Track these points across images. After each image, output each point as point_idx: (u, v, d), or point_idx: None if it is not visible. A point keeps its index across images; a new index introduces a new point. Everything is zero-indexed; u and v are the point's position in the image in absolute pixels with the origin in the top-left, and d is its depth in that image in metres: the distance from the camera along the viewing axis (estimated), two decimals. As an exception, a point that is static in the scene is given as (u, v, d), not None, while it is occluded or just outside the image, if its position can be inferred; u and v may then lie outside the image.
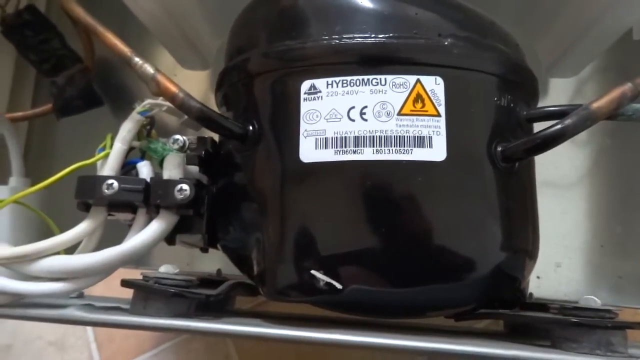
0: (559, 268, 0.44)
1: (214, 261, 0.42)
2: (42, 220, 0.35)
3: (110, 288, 0.30)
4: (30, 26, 0.44)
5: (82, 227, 0.28)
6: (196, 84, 0.48)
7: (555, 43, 0.38)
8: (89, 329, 0.67)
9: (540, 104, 0.47)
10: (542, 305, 0.29)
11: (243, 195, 0.28)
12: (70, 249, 0.29)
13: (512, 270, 0.28)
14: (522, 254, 0.28)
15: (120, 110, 0.46)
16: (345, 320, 0.29)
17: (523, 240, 0.28)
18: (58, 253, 0.27)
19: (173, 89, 0.26)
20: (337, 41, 0.26)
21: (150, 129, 0.31)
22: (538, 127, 0.28)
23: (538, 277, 0.44)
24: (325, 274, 0.25)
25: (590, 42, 0.35)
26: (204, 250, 0.33)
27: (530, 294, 0.35)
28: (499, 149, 0.26)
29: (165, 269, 0.27)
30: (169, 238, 0.29)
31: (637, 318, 0.49)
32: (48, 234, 0.31)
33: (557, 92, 0.47)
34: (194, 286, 0.28)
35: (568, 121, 0.24)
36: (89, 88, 0.41)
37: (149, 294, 0.26)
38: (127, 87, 0.46)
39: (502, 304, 0.28)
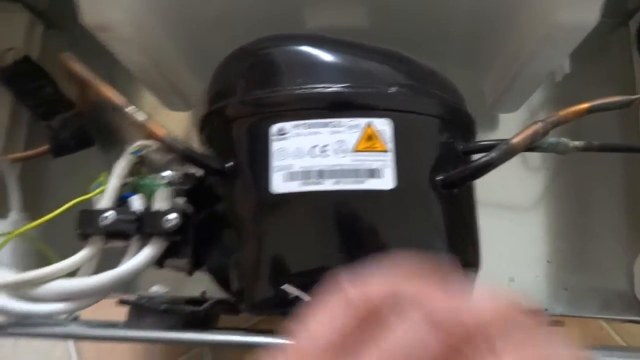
0: (512, 282, 0.49)
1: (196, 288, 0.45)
2: (37, 250, 0.38)
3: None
4: (27, 75, 0.48)
5: (82, 254, 0.31)
6: (177, 123, 0.53)
7: (494, 84, 0.44)
8: (74, 357, 0.69)
9: (492, 135, 0.53)
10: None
11: (224, 223, 0.32)
12: (69, 275, 0.32)
13: (457, 280, 0.32)
14: (463, 265, 0.33)
15: (108, 149, 0.50)
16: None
17: (464, 253, 0.33)
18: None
19: (161, 133, 0.31)
20: (301, 90, 0.31)
21: (140, 166, 0.35)
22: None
23: (493, 291, 0.49)
24: (295, 288, 0.29)
25: (522, 84, 0.41)
26: (190, 273, 0.37)
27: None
28: (439, 177, 0.31)
29: (156, 289, 0.31)
30: (159, 262, 0.33)
31: (580, 325, 0.54)
32: (43, 262, 0.34)
33: (510, 124, 0.53)
34: (181, 304, 0.32)
35: (492, 154, 0.30)
36: (81, 131, 0.45)
37: (142, 311, 0.30)
38: (115, 128, 0.51)
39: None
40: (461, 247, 0.32)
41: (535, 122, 0.30)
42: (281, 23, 0.43)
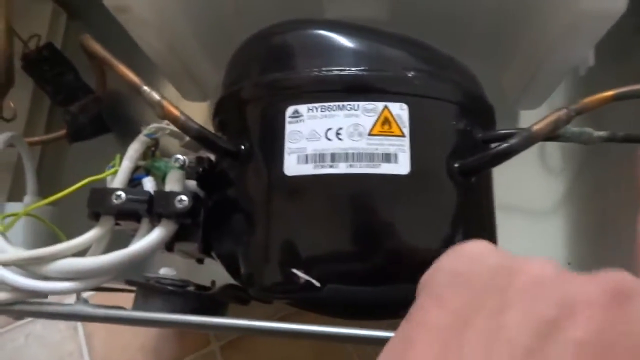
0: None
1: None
2: (51, 233, 0.38)
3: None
4: (48, 61, 0.49)
5: (92, 233, 0.31)
6: (196, 115, 0.53)
7: (515, 80, 0.43)
8: (85, 354, 0.69)
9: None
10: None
11: (234, 206, 0.32)
12: (79, 254, 0.32)
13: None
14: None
15: (123, 137, 0.50)
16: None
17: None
18: (69, 258, 0.31)
19: (176, 112, 0.31)
20: (317, 73, 0.30)
21: (154, 149, 0.35)
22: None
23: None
24: (305, 273, 0.28)
25: (544, 78, 0.39)
26: (200, 261, 0.37)
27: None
28: (456, 164, 0.30)
29: (164, 271, 0.31)
30: (169, 245, 0.33)
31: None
32: (55, 243, 0.34)
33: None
34: (190, 287, 0.31)
35: (513, 141, 0.29)
36: (99, 116, 0.45)
37: (149, 292, 0.29)
38: (131, 117, 0.51)
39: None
40: (477, 237, 0.31)
41: (559, 109, 0.29)
42: (300, 13, 0.43)
